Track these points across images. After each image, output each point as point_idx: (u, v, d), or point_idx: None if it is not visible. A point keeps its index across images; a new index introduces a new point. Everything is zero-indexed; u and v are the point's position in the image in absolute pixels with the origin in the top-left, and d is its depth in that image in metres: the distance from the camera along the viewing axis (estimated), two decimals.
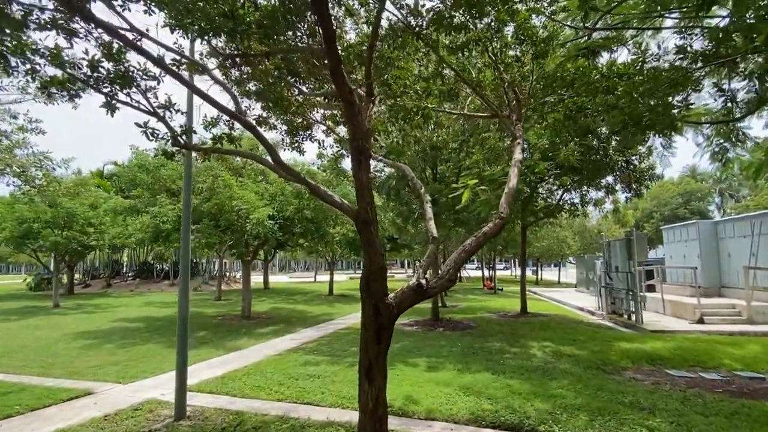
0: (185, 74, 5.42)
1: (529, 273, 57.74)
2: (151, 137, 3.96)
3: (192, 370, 9.83)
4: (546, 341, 12.50)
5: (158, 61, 4.08)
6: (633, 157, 16.01)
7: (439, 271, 4.03)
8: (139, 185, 15.68)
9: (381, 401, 3.84)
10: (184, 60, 4.41)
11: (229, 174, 14.68)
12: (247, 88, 5.55)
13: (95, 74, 4.35)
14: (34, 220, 19.45)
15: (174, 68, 4.85)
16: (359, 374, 3.93)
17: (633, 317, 15.96)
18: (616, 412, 6.78)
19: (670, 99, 5.97)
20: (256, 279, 43.23)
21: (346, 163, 15.98)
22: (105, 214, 19.77)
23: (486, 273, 43.97)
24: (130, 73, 4.45)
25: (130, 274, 39.34)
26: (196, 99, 6.64)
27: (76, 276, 37.20)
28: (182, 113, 4.57)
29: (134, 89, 4.48)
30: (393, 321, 3.92)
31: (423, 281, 3.87)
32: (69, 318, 18.35)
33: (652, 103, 6.30)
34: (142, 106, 4.27)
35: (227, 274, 40.16)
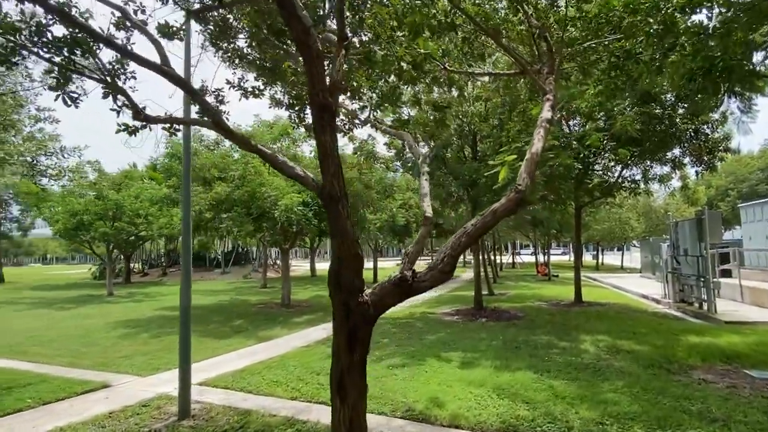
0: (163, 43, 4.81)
1: (589, 258, 54.71)
2: (69, 102, 3.37)
3: (218, 361, 9.59)
4: (601, 334, 11.22)
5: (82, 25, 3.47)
6: (704, 126, 14.06)
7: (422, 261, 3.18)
8: (175, 175, 15.76)
9: (357, 425, 3.09)
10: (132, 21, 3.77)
11: (261, 161, 14.33)
12: (228, 56, 4.87)
13: (41, 39, 3.80)
14: (84, 212, 20.33)
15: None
16: (330, 388, 3.21)
17: (704, 306, 14.18)
18: (681, 423, 5.64)
19: (751, 37, 4.66)
20: (305, 266, 43.67)
21: (380, 148, 15.09)
22: (150, 205, 20.31)
23: (541, 258, 41.80)
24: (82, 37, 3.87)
25: None
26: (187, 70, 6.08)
27: (137, 265, 39.15)
28: (134, 78, 3.95)
29: (85, 56, 3.90)
30: (370, 323, 3.14)
31: (407, 273, 3.05)
32: (118, 306, 19.01)
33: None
34: (87, 72, 3.69)
35: (276, 261, 40.80)
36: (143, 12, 4.28)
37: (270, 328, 13.37)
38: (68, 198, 20.38)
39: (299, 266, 47.74)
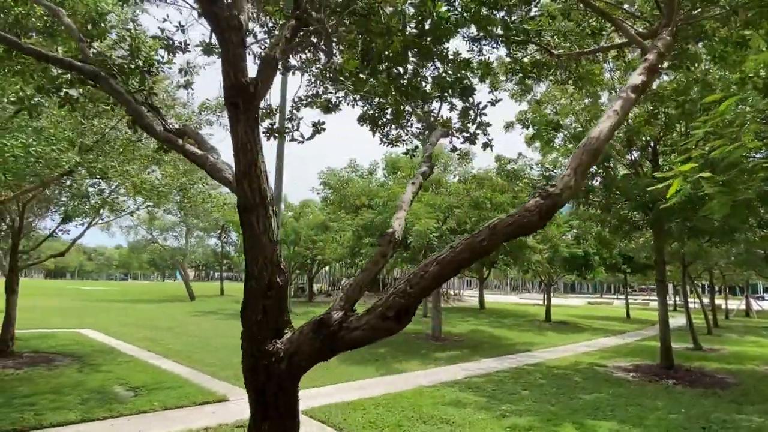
0: None
1: None
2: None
3: (336, 389, 9.36)
4: None
5: None
6: None
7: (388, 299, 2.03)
8: (332, 203, 16.78)
9: None
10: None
11: (399, 186, 14.19)
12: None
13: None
14: None
15: None
16: None
17: None
18: None
19: None
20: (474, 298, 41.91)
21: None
22: (317, 232, 22.21)
23: None
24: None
25: None
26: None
27: (322, 286, 43.43)
28: (155, 95, 3.89)
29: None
30: (285, 383, 2.18)
31: (335, 314, 2.04)
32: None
33: None
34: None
35: (448, 291, 40.29)
36: (183, 31, 4.29)
37: (407, 360, 12.72)
38: None
39: (473, 297, 46.24)
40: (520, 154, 12.91)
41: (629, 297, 36.65)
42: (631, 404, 8.61)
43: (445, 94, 4.78)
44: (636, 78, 2.62)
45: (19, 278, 10.20)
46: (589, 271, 25.84)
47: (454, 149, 4.60)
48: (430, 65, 5.20)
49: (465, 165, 17.49)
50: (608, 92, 11.05)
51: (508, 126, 12.29)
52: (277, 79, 6.33)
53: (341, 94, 5.71)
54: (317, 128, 3.98)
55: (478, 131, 4.22)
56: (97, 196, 9.98)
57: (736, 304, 42.51)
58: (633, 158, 12.30)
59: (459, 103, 4.86)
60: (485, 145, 4.28)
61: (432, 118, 4.77)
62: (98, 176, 7.85)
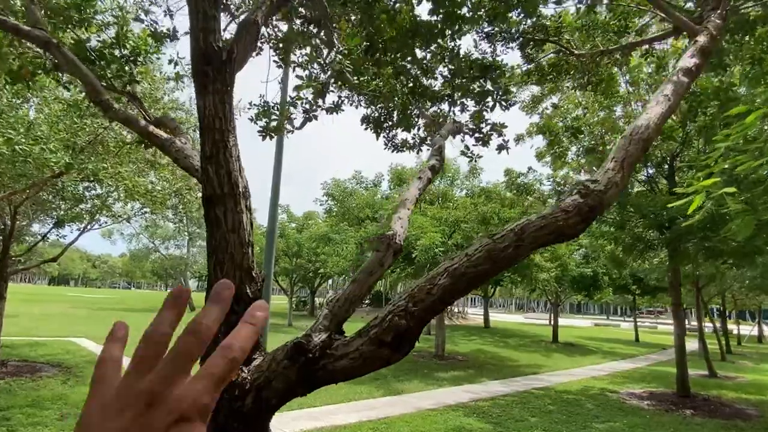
0: None
1: None
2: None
3: (331, 410, 8.86)
4: None
5: None
6: None
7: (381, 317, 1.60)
8: (335, 215, 16.41)
9: None
10: None
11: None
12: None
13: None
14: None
15: None
16: None
17: None
18: None
19: None
20: (495, 317, 40.99)
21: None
22: (319, 244, 21.81)
23: None
24: None
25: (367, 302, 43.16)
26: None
27: (325, 300, 42.77)
28: (137, 82, 3.54)
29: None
30: (252, 424, 1.76)
31: (316, 337, 1.62)
32: (288, 336, 20.32)
33: None
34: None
35: (452, 308, 39.43)
36: (172, 17, 3.96)
37: (408, 379, 12.17)
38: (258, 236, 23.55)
39: (477, 315, 45.35)
40: (530, 168, 12.53)
41: (637, 319, 35.65)
42: None
43: (456, 94, 4.39)
44: (688, 61, 2.22)
45: (7, 284, 9.81)
46: (597, 292, 25.16)
47: (466, 149, 4.20)
48: (440, 65, 4.85)
49: (472, 179, 17.08)
50: (623, 106, 10.73)
51: (519, 138, 11.91)
52: (278, 74, 5.99)
53: (344, 93, 5.37)
54: (309, 115, 3.60)
55: (492, 132, 3.84)
56: (91, 200, 9.67)
57: (748, 329, 41.34)
58: (648, 174, 11.84)
59: (471, 104, 4.47)
60: (500, 147, 3.88)
61: (441, 121, 4.38)
62: (91, 179, 7.52)
